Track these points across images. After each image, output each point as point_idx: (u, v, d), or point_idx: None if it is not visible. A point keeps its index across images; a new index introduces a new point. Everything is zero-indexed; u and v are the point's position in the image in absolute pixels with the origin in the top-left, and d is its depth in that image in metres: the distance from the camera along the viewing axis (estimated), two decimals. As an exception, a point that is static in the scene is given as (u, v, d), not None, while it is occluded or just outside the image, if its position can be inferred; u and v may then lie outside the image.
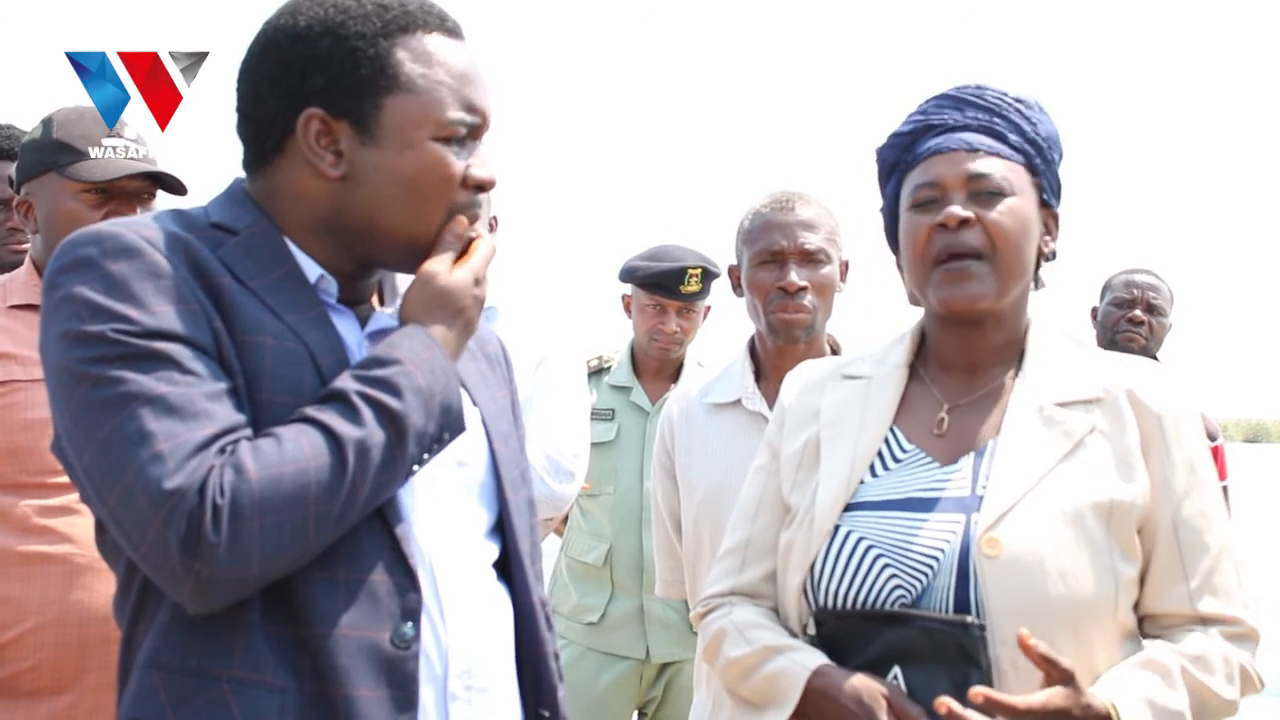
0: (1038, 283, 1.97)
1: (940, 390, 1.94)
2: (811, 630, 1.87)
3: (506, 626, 1.63)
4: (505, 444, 1.68)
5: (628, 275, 4.13)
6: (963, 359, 1.94)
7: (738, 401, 2.78)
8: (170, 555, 1.35)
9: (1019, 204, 1.88)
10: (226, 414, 1.41)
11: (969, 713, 1.63)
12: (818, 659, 1.80)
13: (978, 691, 1.63)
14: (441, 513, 1.57)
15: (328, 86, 1.53)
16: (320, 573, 1.44)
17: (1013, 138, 1.91)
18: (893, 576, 1.80)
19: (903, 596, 1.78)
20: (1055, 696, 1.66)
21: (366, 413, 1.43)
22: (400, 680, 1.46)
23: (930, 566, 1.78)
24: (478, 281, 1.59)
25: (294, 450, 1.39)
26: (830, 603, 1.84)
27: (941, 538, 1.79)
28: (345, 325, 1.58)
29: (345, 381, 1.46)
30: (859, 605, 1.81)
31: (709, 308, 4.18)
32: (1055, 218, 1.97)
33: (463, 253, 1.61)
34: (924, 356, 1.99)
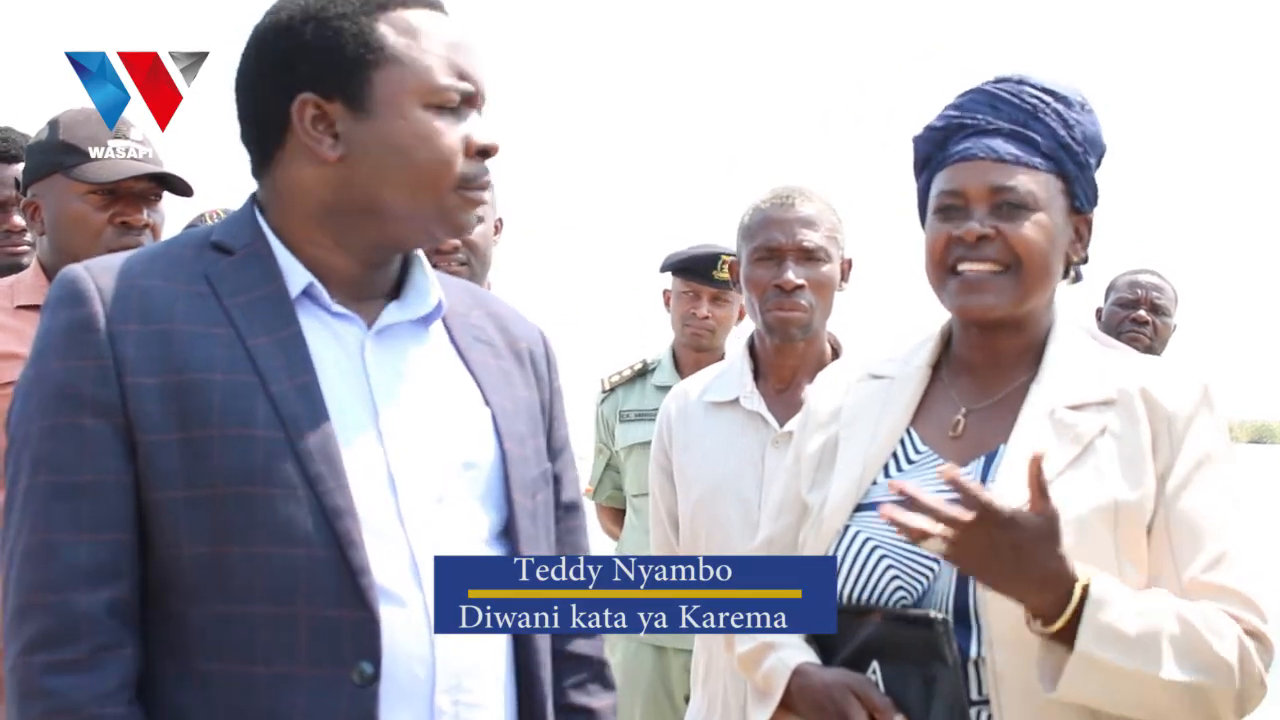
0: (1071, 277, 1.96)
1: (959, 393, 1.93)
2: None
3: (501, 636, 1.58)
4: (519, 445, 1.63)
5: (665, 264, 4.19)
6: (983, 361, 1.92)
7: (735, 400, 2.77)
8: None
9: (1044, 218, 1.85)
10: (81, 593, 1.42)
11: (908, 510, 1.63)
12: (801, 657, 1.82)
13: (895, 483, 1.65)
14: (442, 517, 1.54)
15: (316, 70, 1.53)
16: (276, 609, 1.44)
17: (1044, 144, 1.87)
18: (895, 578, 1.81)
19: (904, 598, 1.79)
20: (1035, 515, 1.64)
21: None
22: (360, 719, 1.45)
23: (931, 569, 1.79)
24: None
25: None
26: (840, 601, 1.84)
27: None
28: (343, 331, 1.56)
29: None
30: (860, 604, 1.82)
31: (744, 307, 4.20)
32: (1088, 223, 1.93)
33: None
34: (948, 357, 1.98)
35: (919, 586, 1.79)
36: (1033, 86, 1.90)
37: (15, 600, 1.43)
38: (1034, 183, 1.85)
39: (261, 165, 1.60)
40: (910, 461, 1.90)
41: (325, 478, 1.45)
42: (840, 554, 1.85)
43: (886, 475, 1.89)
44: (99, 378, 1.45)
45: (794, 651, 1.85)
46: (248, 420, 1.45)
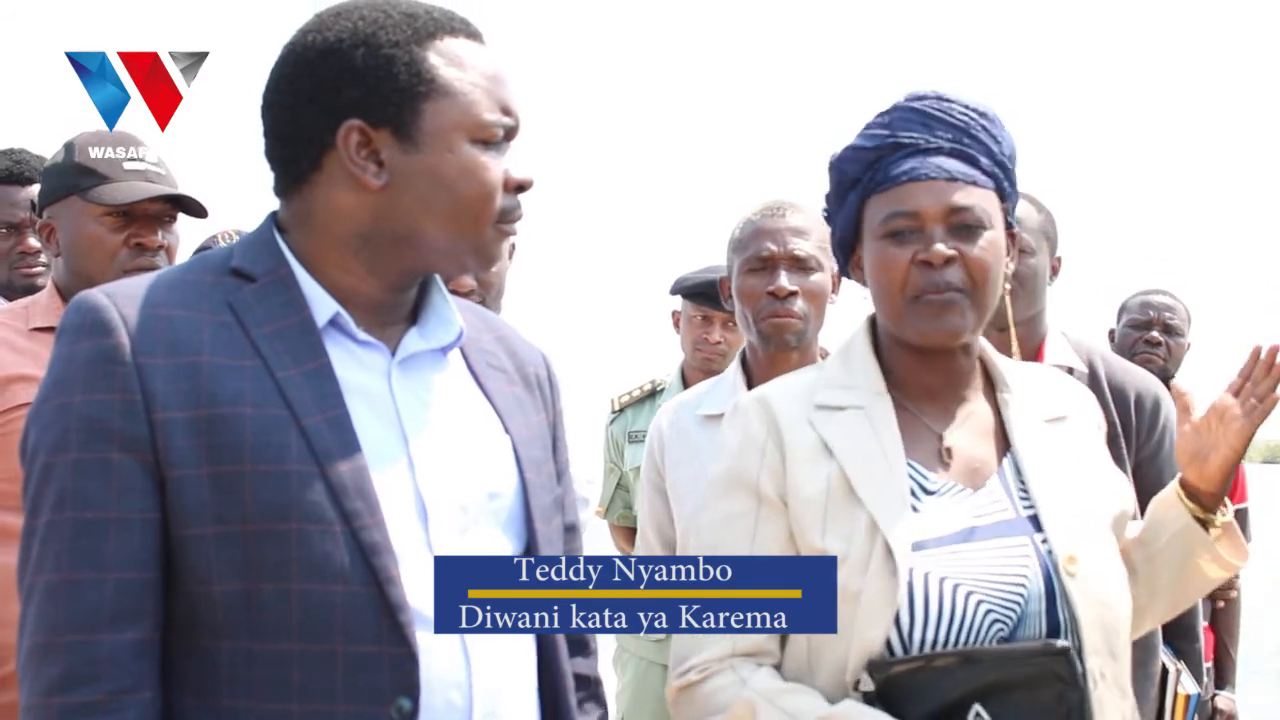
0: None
1: (928, 418, 1.87)
2: (866, 685, 1.70)
3: (529, 658, 1.60)
4: (537, 472, 1.65)
5: (676, 287, 4.17)
6: (942, 383, 1.88)
7: None
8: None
9: (995, 236, 1.81)
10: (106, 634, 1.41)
11: None
12: None
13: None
14: (468, 546, 1.53)
15: (366, 96, 1.51)
16: (316, 645, 1.43)
17: (984, 161, 1.82)
18: (989, 611, 1.74)
19: (1001, 630, 1.74)
20: None
21: None
22: None
23: (1021, 594, 1.75)
24: None
25: None
26: (927, 650, 1.73)
27: (1019, 564, 1.76)
28: (368, 359, 1.56)
29: None
30: (954, 647, 1.73)
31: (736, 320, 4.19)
32: (1014, 238, 1.90)
33: None
34: (894, 382, 1.88)
35: (1013, 615, 1.74)
36: (957, 103, 1.84)
37: (36, 639, 1.42)
38: (984, 201, 1.82)
39: (290, 185, 1.58)
40: (929, 492, 1.81)
41: (361, 513, 1.45)
42: (919, 598, 1.74)
43: (915, 510, 1.79)
44: (127, 412, 1.43)
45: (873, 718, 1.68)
46: (281, 455, 1.44)
